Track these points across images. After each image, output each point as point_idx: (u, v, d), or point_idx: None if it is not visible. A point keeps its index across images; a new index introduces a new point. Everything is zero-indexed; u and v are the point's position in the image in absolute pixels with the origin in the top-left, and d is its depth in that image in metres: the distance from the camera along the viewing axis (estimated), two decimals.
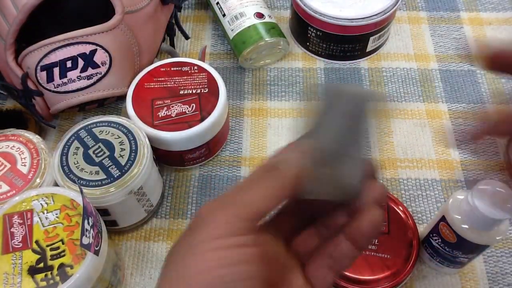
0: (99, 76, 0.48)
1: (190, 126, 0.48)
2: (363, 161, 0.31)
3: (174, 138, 0.48)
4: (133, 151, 0.44)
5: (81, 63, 0.47)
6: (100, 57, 0.48)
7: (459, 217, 0.39)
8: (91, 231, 0.37)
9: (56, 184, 0.44)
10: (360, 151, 0.31)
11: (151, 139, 0.47)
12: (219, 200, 0.27)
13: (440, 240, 0.42)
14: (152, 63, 0.55)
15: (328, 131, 0.30)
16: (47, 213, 0.39)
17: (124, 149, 0.45)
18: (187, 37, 0.62)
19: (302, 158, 0.28)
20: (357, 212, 0.29)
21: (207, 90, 0.50)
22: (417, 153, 0.55)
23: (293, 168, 0.28)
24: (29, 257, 0.37)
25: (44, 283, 0.36)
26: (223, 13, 0.61)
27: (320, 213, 0.32)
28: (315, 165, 0.29)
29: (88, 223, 0.37)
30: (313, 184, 0.29)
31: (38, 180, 0.43)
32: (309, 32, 0.60)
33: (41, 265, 0.37)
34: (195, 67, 0.52)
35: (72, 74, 0.47)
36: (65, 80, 0.48)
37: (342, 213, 0.31)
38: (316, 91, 0.31)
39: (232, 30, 0.60)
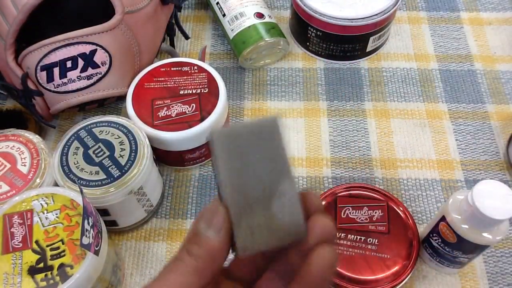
0: (99, 76, 0.48)
1: (190, 126, 0.48)
2: (296, 195, 0.27)
3: (174, 138, 0.48)
4: (133, 151, 0.44)
5: (81, 63, 0.47)
6: (100, 57, 0.48)
7: (459, 217, 0.39)
8: (91, 231, 0.37)
9: (56, 184, 0.44)
10: (287, 184, 0.27)
11: (151, 139, 0.47)
12: None
13: (440, 240, 0.42)
14: (152, 63, 0.55)
15: (237, 177, 0.26)
16: (47, 213, 0.39)
17: (124, 149, 0.45)
18: (187, 37, 0.62)
19: (219, 218, 0.26)
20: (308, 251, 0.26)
21: (207, 90, 0.50)
22: (417, 153, 0.55)
23: (205, 242, 0.25)
24: (29, 257, 0.37)
25: (44, 283, 0.36)
26: (223, 13, 0.61)
27: (274, 255, 0.29)
28: (238, 218, 0.26)
29: (88, 223, 0.37)
30: (243, 239, 0.26)
31: (38, 180, 0.43)
32: (309, 32, 0.60)
33: (41, 265, 0.37)
34: (195, 67, 0.52)
35: (72, 74, 0.47)
36: (65, 80, 0.48)
37: (295, 252, 0.27)
38: (209, 140, 0.27)
39: (232, 30, 0.60)
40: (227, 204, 0.26)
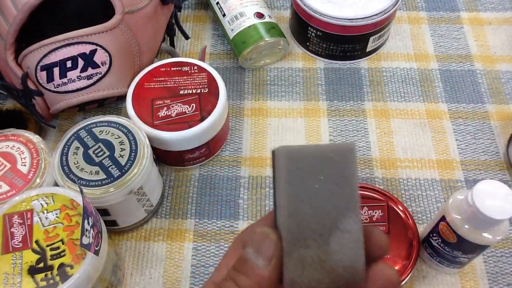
0: (99, 76, 0.48)
1: (190, 126, 0.48)
2: (360, 234, 0.24)
3: (174, 138, 0.48)
4: (133, 151, 0.44)
5: (81, 63, 0.47)
6: (100, 57, 0.48)
7: (459, 217, 0.39)
8: (91, 231, 0.37)
9: (56, 184, 0.44)
10: (351, 221, 0.24)
11: (151, 139, 0.47)
12: None
13: (440, 240, 0.42)
14: (152, 63, 0.55)
15: (297, 202, 0.24)
16: (47, 213, 0.39)
17: (124, 149, 0.45)
18: (187, 37, 0.62)
19: (270, 245, 0.24)
20: None
21: (207, 90, 0.50)
22: (417, 153, 0.55)
23: (254, 272, 0.23)
24: (29, 257, 0.37)
25: (44, 283, 0.36)
26: (223, 13, 0.61)
27: None
28: (290, 248, 0.24)
29: (88, 223, 0.37)
30: (293, 272, 0.23)
31: (38, 180, 0.43)
32: (309, 32, 0.60)
33: (41, 265, 0.37)
34: (195, 67, 0.52)
35: (72, 74, 0.47)
36: (65, 80, 0.48)
37: None
38: (273, 155, 0.25)
39: (232, 30, 0.60)
40: (281, 231, 0.24)
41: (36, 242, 0.38)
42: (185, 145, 0.49)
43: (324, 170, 0.24)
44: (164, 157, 0.52)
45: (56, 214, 0.39)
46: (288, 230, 0.24)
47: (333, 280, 0.24)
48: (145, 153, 0.45)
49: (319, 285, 0.24)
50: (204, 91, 0.50)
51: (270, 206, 0.51)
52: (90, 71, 0.48)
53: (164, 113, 0.49)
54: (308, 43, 0.62)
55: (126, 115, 0.49)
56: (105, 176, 0.43)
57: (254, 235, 0.24)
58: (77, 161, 0.44)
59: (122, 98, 0.56)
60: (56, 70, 0.47)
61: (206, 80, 0.51)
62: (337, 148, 0.25)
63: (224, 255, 0.27)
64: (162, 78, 0.51)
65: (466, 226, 0.39)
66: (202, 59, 0.56)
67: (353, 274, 0.24)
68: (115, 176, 0.43)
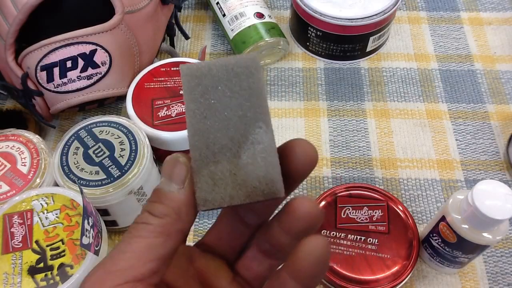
0: (99, 76, 0.48)
1: None
2: (273, 144, 0.23)
3: (174, 138, 0.48)
4: (133, 151, 0.44)
5: (81, 63, 0.47)
6: (100, 57, 0.48)
7: (459, 217, 0.39)
8: (91, 231, 0.37)
9: (56, 184, 0.44)
10: (262, 131, 0.23)
11: (151, 139, 0.47)
12: (100, 269, 0.23)
13: (440, 240, 0.42)
14: (152, 63, 0.55)
15: (202, 119, 0.23)
16: (47, 213, 0.39)
17: (124, 149, 0.45)
18: (187, 37, 0.62)
19: (180, 168, 0.23)
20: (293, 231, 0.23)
21: None
22: (417, 153, 0.55)
23: (168, 199, 0.22)
24: (29, 257, 0.37)
25: (44, 283, 0.36)
26: (223, 13, 0.61)
27: (256, 229, 0.26)
28: (199, 166, 0.23)
29: (88, 223, 0.37)
30: (204, 190, 0.22)
31: (38, 180, 0.43)
32: (309, 32, 0.60)
33: (41, 265, 0.37)
34: None
35: (72, 74, 0.47)
36: (65, 80, 0.48)
37: (279, 227, 0.24)
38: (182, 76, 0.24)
39: (232, 30, 0.60)
40: (190, 151, 0.23)
41: (36, 242, 0.38)
42: (185, 145, 0.49)
43: (227, 83, 0.23)
44: (164, 157, 0.51)
45: (56, 214, 0.39)
46: (196, 149, 0.23)
47: (249, 193, 0.23)
48: (145, 153, 0.45)
49: (233, 201, 0.22)
50: None
51: None
52: (90, 71, 0.48)
53: (164, 113, 0.49)
54: (308, 43, 0.62)
55: (126, 115, 0.49)
56: (105, 176, 0.43)
57: (165, 163, 0.23)
58: (77, 161, 0.44)
59: (122, 98, 0.56)
60: (56, 70, 0.47)
61: None
62: (239, 59, 0.23)
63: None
64: (162, 78, 0.51)
65: (466, 226, 0.39)
66: (202, 59, 0.56)
67: (269, 185, 0.23)
68: (115, 176, 0.43)
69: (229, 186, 0.23)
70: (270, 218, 0.26)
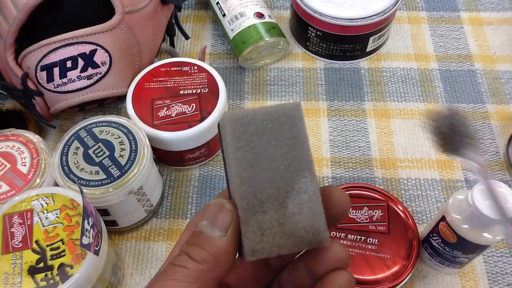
0: (99, 76, 0.48)
1: (190, 126, 0.48)
2: (318, 193, 0.23)
3: (174, 138, 0.48)
4: (133, 151, 0.44)
5: (81, 63, 0.47)
6: (100, 57, 0.48)
7: (459, 217, 0.39)
8: (91, 231, 0.37)
9: (56, 184, 0.44)
10: (307, 180, 0.23)
11: (151, 139, 0.47)
12: None
13: (440, 240, 0.42)
14: (152, 63, 0.55)
15: (248, 168, 0.23)
16: (47, 213, 0.39)
17: (124, 149, 0.45)
18: (187, 37, 0.62)
19: (225, 215, 0.22)
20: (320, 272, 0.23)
21: (207, 90, 0.50)
22: (417, 153, 0.55)
23: (210, 244, 0.22)
24: (29, 257, 0.37)
25: (44, 283, 0.36)
26: (223, 13, 0.61)
27: (277, 263, 0.26)
28: (247, 216, 0.22)
29: (88, 223, 0.37)
30: (252, 240, 0.22)
31: (38, 180, 0.43)
32: (309, 32, 0.60)
33: (41, 265, 0.37)
34: (195, 67, 0.52)
35: (72, 74, 0.47)
36: (65, 80, 0.48)
37: (305, 268, 0.24)
38: (219, 124, 0.24)
39: (232, 30, 0.60)
40: (235, 200, 0.23)
41: (36, 242, 0.38)
42: (185, 145, 0.49)
43: (271, 131, 0.23)
44: (164, 157, 0.52)
45: (56, 214, 0.39)
46: (242, 197, 0.23)
47: (296, 243, 0.23)
48: (145, 153, 0.45)
49: (282, 250, 0.23)
50: (204, 91, 0.50)
51: None
52: (90, 71, 0.48)
53: (164, 113, 0.49)
54: (308, 43, 0.62)
55: (126, 115, 0.49)
56: (105, 176, 0.43)
57: (208, 208, 0.23)
58: (77, 161, 0.44)
59: (122, 98, 0.56)
60: (56, 70, 0.47)
61: (206, 80, 0.51)
62: (282, 108, 0.24)
63: (178, 240, 0.25)
64: (162, 78, 0.51)
65: (466, 226, 0.39)
66: (202, 59, 0.56)
67: (315, 234, 0.23)
68: (115, 176, 0.43)
69: (277, 236, 0.23)
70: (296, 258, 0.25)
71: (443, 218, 0.41)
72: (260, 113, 0.23)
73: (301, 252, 0.25)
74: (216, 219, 0.22)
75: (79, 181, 0.43)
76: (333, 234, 0.44)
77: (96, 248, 0.38)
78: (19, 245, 0.38)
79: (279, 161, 0.23)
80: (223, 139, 0.24)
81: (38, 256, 0.37)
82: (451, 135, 0.28)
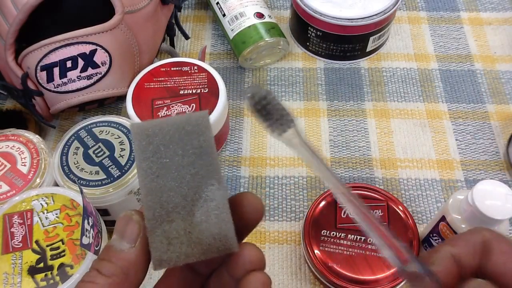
0: (99, 76, 0.48)
1: None
2: (225, 201, 0.23)
3: None
4: (133, 151, 0.44)
5: (81, 63, 0.47)
6: (100, 57, 0.48)
7: (459, 217, 0.39)
8: (91, 231, 0.37)
9: (56, 184, 0.44)
10: (214, 188, 0.23)
11: None
12: None
13: (440, 240, 0.42)
14: (152, 63, 0.55)
15: (154, 178, 0.23)
16: (47, 213, 0.39)
17: (124, 149, 0.45)
18: (187, 37, 0.62)
19: (133, 227, 0.23)
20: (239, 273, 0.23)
21: (207, 90, 0.50)
22: (417, 153, 0.55)
23: (118, 257, 0.22)
24: (29, 257, 0.37)
25: (44, 283, 0.36)
26: (223, 13, 0.61)
27: (204, 270, 0.26)
28: (153, 226, 0.22)
29: (88, 223, 0.37)
30: (159, 250, 0.22)
31: (38, 180, 0.43)
32: (309, 32, 0.60)
33: (41, 265, 0.37)
34: (195, 67, 0.52)
35: (72, 74, 0.47)
36: (65, 80, 0.48)
37: (227, 270, 0.24)
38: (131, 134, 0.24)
39: (232, 30, 0.60)
40: (144, 211, 0.23)
41: (36, 242, 0.38)
42: None
43: (178, 141, 0.23)
44: None
45: (56, 214, 0.39)
46: (148, 208, 0.23)
47: (203, 250, 0.23)
48: None
49: (189, 259, 0.23)
50: (204, 91, 0.50)
51: (270, 206, 0.51)
52: (90, 71, 0.48)
53: (164, 113, 0.49)
54: (308, 43, 0.62)
55: (126, 115, 0.49)
56: (105, 176, 0.43)
57: (118, 220, 0.23)
58: (77, 161, 0.44)
59: (122, 98, 0.56)
60: (56, 70, 0.47)
61: (206, 80, 0.51)
62: (189, 117, 0.24)
63: None
64: (162, 78, 0.51)
65: (466, 226, 0.39)
66: (202, 59, 0.56)
67: (223, 241, 0.23)
68: (115, 176, 0.43)
69: (184, 245, 0.23)
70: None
71: (443, 218, 0.41)
72: (167, 123, 0.24)
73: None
74: (125, 231, 0.23)
75: (79, 181, 0.43)
76: (333, 234, 0.44)
77: (96, 248, 0.38)
78: (19, 245, 0.38)
79: (186, 171, 0.23)
80: (134, 148, 0.24)
81: (38, 256, 0.37)
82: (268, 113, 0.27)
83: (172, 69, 0.52)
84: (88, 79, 0.48)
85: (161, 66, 0.52)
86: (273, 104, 0.27)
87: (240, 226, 0.24)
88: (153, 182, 0.23)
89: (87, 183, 0.43)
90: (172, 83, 0.51)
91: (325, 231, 0.45)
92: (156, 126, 0.23)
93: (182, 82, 0.51)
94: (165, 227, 0.23)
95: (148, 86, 0.51)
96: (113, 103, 0.59)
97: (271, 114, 0.28)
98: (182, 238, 0.23)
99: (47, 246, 0.38)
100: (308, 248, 0.44)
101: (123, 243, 0.22)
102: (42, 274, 0.37)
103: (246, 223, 0.24)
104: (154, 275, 0.47)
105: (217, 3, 0.62)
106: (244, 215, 0.24)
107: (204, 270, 0.26)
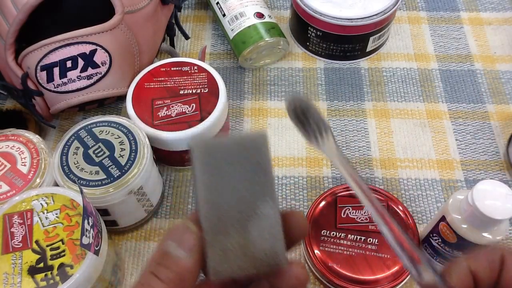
0: (99, 76, 0.48)
1: (190, 126, 0.48)
2: (278, 219, 0.25)
3: (174, 138, 0.48)
4: (133, 151, 0.44)
5: (81, 63, 0.47)
6: (100, 57, 0.48)
7: (459, 217, 0.39)
8: (91, 231, 0.37)
9: (56, 184, 0.44)
10: (268, 206, 0.24)
11: (151, 139, 0.47)
12: None
13: (440, 240, 0.42)
14: (152, 63, 0.55)
15: (214, 192, 0.24)
16: (47, 213, 0.39)
17: (124, 149, 0.45)
18: (187, 37, 0.62)
19: (190, 236, 0.24)
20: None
21: (207, 90, 0.50)
22: (417, 153, 0.55)
23: (175, 264, 0.23)
24: (29, 257, 0.37)
25: (44, 283, 0.36)
26: (223, 13, 0.61)
27: (243, 280, 0.27)
28: (211, 238, 0.24)
29: (88, 223, 0.37)
30: (216, 261, 0.24)
31: (38, 180, 0.43)
32: (309, 32, 0.60)
33: (41, 265, 0.37)
34: (195, 67, 0.52)
35: (72, 74, 0.47)
36: (65, 80, 0.48)
37: (267, 280, 0.26)
38: (190, 149, 0.25)
39: (232, 30, 0.60)
40: (201, 222, 0.24)
41: (36, 242, 0.38)
42: (185, 145, 0.49)
43: (238, 159, 0.25)
44: (164, 157, 0.52)
45: (56, 214, 0.39)
46: (208, 220, 0.24)
47: (256, 266, 0.24)
48: (145, 153, 0.45)
49: (242, 272, 0.24)
50: (204, 91, 0.50)
51: None
52: (90, 71, 0.48)
53: (164, 113, 0.49)
54: (308, 43, 0.62)
55: (126, 115, 0.49)
56: (105, 176, 0.43)
57: (174, 229, 0.24)
58: (77, 161, 0.44)
59: (122, 98, 0.56)
60: (56, 70, 0.47)
61: (206, 80, 0.51)
62: (249, 136, 0.25)
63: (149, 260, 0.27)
64: (162, 78, 0.51)
65: (466, 226, 0.39)
66: (202, 59, 0.56)
67: (274, 258, 0.24)
68: (115, 176, 0.43)
69: (239, 258, 0.24)
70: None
71: (443, 218, 0.41)
72: (228, 141, 0.25)
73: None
74: (182, 240, 0.24)
75: (79, 181, 0.43)
76: (333, 234, 0.44)
77: (96, 248, 0.38)
78: (19, 245, 0.38)
79: (243, 187, 0.25)
80: (193, 163, 0.25)
81: (38, 256, 0.37)
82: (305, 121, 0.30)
83: (172, 69, 0.52)
84: (88, 79, 0.48)
85: (161, 66, 0.52)
86: (311, 111, 0.29)
87: (286, 242, 0.25)
88: (212, 195, 0.24)
89: (87, 183, 0.43)
90: (172, 83, 0.51)
91: (325, 231, 0.45)
92: (218, 142, 0.25)
93: (182, 82, 0.51)
94: (222, 240, 0.24)
95: (148, 86, 0.51)
96: (113, 103, 0.59)
97: (309, 121, 0.30)
98: (236, 251, 0.24)
99: (47, 246, 0.38)
100: (308, 248, 0.44)
101: (180, 251, 0.23)
102: (42, 274, 0.37)
103: (291, 240, 0.25)
104: None
105: (217, 3, 0.62)
106: (290, 232, 0.25)
107: (243, 280, 0.27)
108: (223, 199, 0.24)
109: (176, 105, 0.49)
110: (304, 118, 0.29)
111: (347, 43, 0.59)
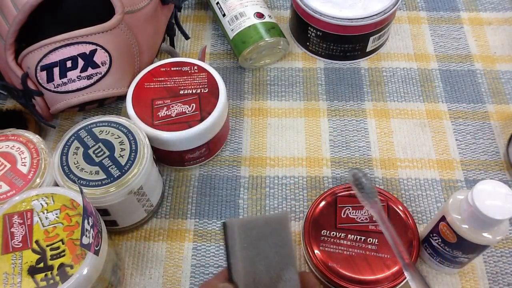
0: (99, 76, 0.48)
1: (190, 126, 0.48)
2: (298, 281, 0.32)
3: (174, 138, 0.48)
4: (133, 151, 0.44)
5: (81, 63, 0.47)
6: (100, 57, 0.48)
7: (459, 217, 0.39)
8: (91, 231, 0.37)
9: (56, 184, 0.44)
10: (292, 272, 0.32)
11: (151, 139, 0.47)
12: None
13: (440, 240, 0.42)
14: (152, 63, 0.55)
15: (251, 263, 0.32)
16: (47, 213, 0.39)
17: (124, 149, 0.45)
18: (187, 37, 0.62)
19: None
20: None
21: (207, 90, 0.50)
22: (417, 153, 0.55)
23: None
24: (29, 257, 0.37)
25: (44, 283, 0.36)
26: (223, 13, 0.61)
27: None
28: None
29: (88, 223, 0.37)
30: None
31: (38, 180, 0.43)
32: (309, 32, 0.60)
33: (41, 265, 0.37)
34: (195, 67, 0.52)
35: (72, 74, 0.47)
36: (65, 80, 0.48)
37: None
38: (225, 228, 0.33)
39: (232, 30, 0.60)
40: (239, 286, 0.31)
41: (36, 242, 0.38)
42: (185, 145, 0.49)
43: (267, 235, 0.32)
44: (164, 157, 0.52)
45: (56, 214, 0.39)
46: (246, 285, 0.31)
47: None
48: (145, 153, 0.45)
49: None
50: (204, 91, 0.50)
51: (270, 206, 0.51)
52: (90, 71, 0.48)
53: (164, 113, 0.49)
54: (308, 43, 0.62)
55: (126, 115, 0.49)
56: (105, 176, 0.43)
57: None
58: (77, 161, 0.44)
59: (122, 98, 0.56)
60: (56, 70, 0.47)
61: (206, 80, 0.51)
62: (275, 217, 0.34)
63: None
64: (162, 78, 0.51)
65: (466, 226, 0.39)
66: (202, 59, 0.56)
67: None
68: (115, 176, 0.43)
69: None
70: None
71: (443, 218, 0.41)
72: (257, 221, 0.33)
73: None
74: None
75: (79, 181, 0.43)
76: (333, 234, 0.44)
77: (96, 248, 0.38)
78: (19, 245, 0.38)
79: (272, 258, 0.32)
80: (229, 238, 0.32)
81: (38, 256, 0.37)
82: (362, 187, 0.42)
83: (172, 69, 0.52)
84: (88, 79, 0.48)
85: (161, 66, 0.52)
86: (366, 182, 0.42)
87: None
88: (250, 266, 0.31)
89: (87, 183, 0.43)
90: (172, 83, 0.51)
91: (325, 231, 0.45)
92: (250, 223, 0.33)
93: (182, 82, 0.51)
94: None
95: (148, 86, 0.51)
96: (113, 103, 0.59)
97: (364, 189, 0.42)
98: None
99: (47, 246, 0.38)
100: (308, 248, 0.44)
101: None
102: (42, 274, 0.37)
103: None
104: (154, 275, 0.47)
105: (217, 3, 0.62)
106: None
107: None
108: (257, 268, 0.31)
109: (176, 105, 0.49)
110: (361, 186, 0.43)
111: (347, 43, 0.59)
